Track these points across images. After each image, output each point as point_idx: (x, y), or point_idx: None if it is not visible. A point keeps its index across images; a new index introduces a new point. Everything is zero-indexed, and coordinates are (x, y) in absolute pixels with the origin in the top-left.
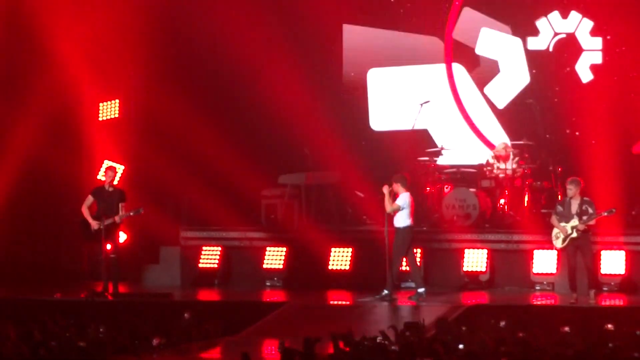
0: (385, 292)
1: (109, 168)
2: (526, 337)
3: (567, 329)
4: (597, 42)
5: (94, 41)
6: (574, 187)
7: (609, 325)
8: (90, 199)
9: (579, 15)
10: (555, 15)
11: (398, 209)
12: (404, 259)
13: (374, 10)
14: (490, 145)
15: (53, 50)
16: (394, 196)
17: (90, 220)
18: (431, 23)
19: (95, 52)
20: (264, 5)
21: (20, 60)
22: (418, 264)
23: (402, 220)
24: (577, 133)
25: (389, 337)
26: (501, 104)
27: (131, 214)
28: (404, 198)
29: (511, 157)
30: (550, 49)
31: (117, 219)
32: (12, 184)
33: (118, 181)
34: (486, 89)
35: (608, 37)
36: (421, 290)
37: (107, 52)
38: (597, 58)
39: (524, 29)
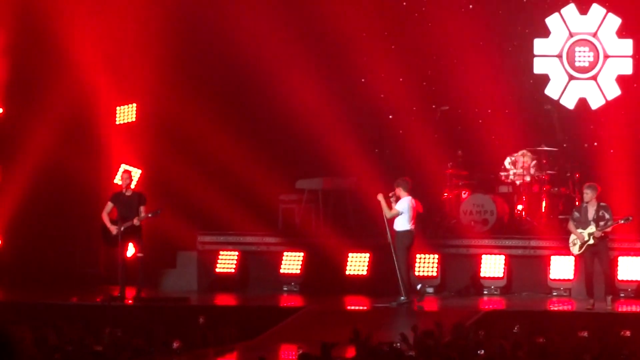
0: (402, 298)
1: (125, 172)
2: (543, 343)
3: (585, 334)
4: (626, 45)
5: (111, 45)
6: (590, 192)
7: (627, 332)
8: (109, 205)
9: (603, 10)
10: (570, 9)
11: (397, 214)
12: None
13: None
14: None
15: (70, 54)
16: (396, 200)
17: (109, 225)
18: None
19: (112, 55)
20: (282, 8)
21: (37, 64)
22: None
23: (402, 224)
24: (595, 144)
25: (408, 340)
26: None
27: (150, 215)
28: (404, 202)
29: (530, 163)
30: (564, 55)
31: (135, 221)
32: (29, 188)
33: (135, 185)
34: None
35: None
36: (403, 298)
37: (124, 55)
38: (627, 67)
39: (531, 28)
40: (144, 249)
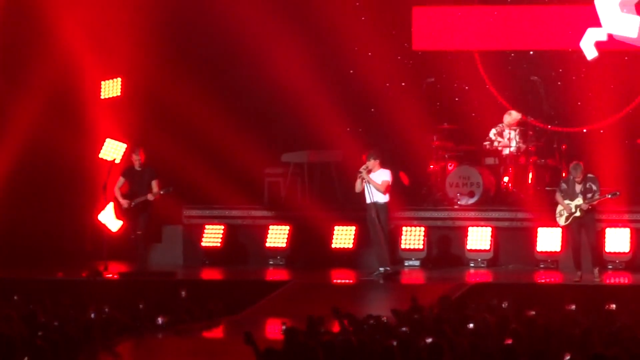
0: (387, 269)
1: (136, 148)
2: (531, 316)
3: (572, 307)
4: None
5: (95, 19)
6: (577, 172)
7: (611, 305)
8: (121, 179)
9: None
10: None
11: (389, 185)
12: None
13: None
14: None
15: (55, 28)
16: (368, 173)
17: (120, 199)
18: None
19: (97, 29)
20: None
21: (21, 38)
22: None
23: (385, 196)
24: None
25: (400, 315)
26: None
27: (162, 192)
28: (389, 173)
29: (516, 134)
30: None
31: (149, 196)
32: (14, 163)
33: (120, 159)
34: None
35: None
36: (387, 269)
37: (109, 29)
38: (603, 35)
39: None
40: (147, 227)
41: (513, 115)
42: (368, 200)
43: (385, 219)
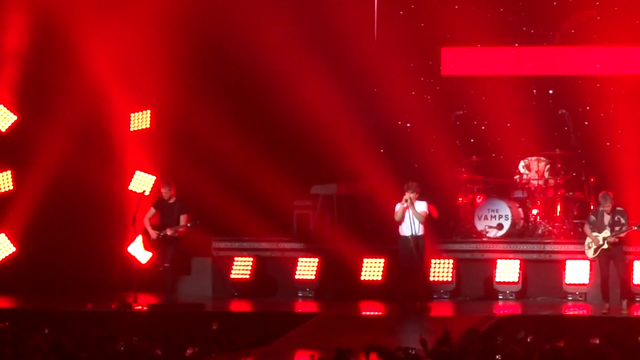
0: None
1: (166, 181)
2: (559, 348)
3: (596, 341)
4: None
5: (125, 51)
6: (606, 202)
7: None
8: (152, 210)
9: None
10: None
11: (427, 216)
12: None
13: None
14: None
15: (84, 61)
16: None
17: (150, 230)
18: None
19: (126, 62)
20: (297, 16)
21: (51, 70)
22: None
23: (423, 228)
24: (607, 143)
25: (427, 346)
26: None
27: (188, 225)
28: (426, 205)
29: (544, 168)
30: None
31: (168, 231)
32: (43, 195)
33: (150, 191)
34: None
35: None
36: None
37: (139, 62)
38: None
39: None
40: (174, 260)
41: (540, 166)
42: (407, 233)
43: (423, 252)
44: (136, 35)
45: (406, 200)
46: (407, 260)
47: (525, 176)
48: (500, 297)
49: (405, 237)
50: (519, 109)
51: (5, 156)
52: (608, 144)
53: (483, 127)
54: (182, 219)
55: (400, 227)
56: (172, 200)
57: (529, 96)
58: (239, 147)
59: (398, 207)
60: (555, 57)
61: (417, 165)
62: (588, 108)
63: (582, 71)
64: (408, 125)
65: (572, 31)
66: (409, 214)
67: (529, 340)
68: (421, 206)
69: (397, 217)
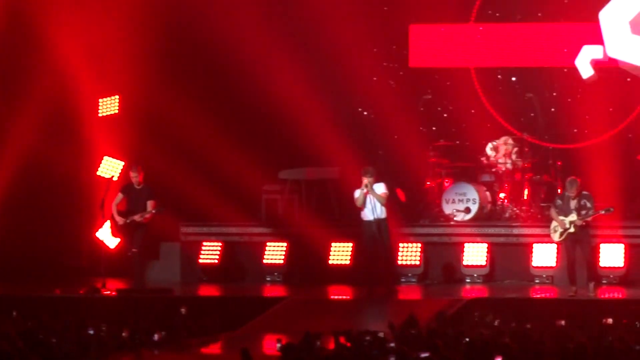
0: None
1: (135, 167)
2: (526, 330)
3: (562, 323)
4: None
5: (94, 37)
6: (572, 188)
7: (608, 320)
8: (119, 195)
9: None
10: None
11: (387, 197)
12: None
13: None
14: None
15: (53, 46)
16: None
17: (117, 216)
18: None
19: (95, 47)
20: (263, 3)
21: (20, 55)
22: None
23: (385, 210)
24: (574, 130)
25: (395, 329)
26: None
27: (154, 211)
28: (384, 185)
29: (511, 150)
30: None
31: (137, 217)
32: (11, 180)
33: (118, 177)
34: None
35: None
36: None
37: (107, 47)
38: (599, 52)
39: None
40: (141, 245)
41: (508, 144)
42: (370, 217)
43: (388, 235)
44: (105, 20)
45: (366, 186)
46: (372, 245)
47: (492, 158)
48: (467, 280)
49: (369, 222)
50: (486, 92)
51: None
52: (575, 130)
53: (449, 111)
54: (149, 204)
55: (362, 212)
56: (139, 186)
57: (495, 80)
58: (208, 132)
59: (357, 193)
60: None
61: (385, 149)
62: (555, 94)
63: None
64: (375, 110)
65: (539, 15)
66: (369, 198)
67: (496, 323)
68: (380, 188)
69: (358, 203)
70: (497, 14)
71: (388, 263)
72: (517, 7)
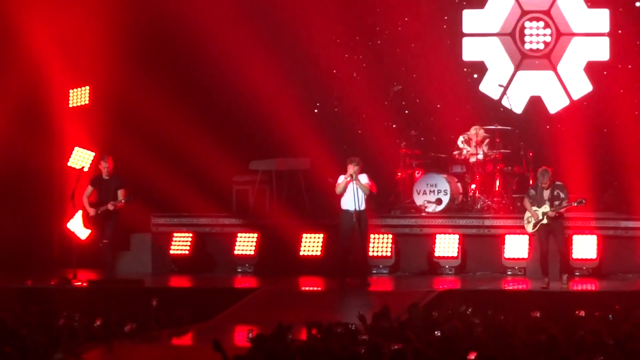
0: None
1: (104, 158)
2: (498, 322)
3: (537, 314)
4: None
5: (64, 27)
6: (544, 178)
7: (581, 312)
8: (89, 188)
9: None
10: None
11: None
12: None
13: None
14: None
15: (23, 36)
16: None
17: (87, 207)
18: None
19: (65, 37)
20: None
21: None
22: None
23: (365, 202)
24: (547, 127)
25: (365, 321)
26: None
27: (122, 201)
28: (368, 177)
29: (483, 138)
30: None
31: (109, 206)
32: None
33: (89, 167)
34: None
35: None
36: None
37: (78, 37)
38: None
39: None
40: (112, 236)
41: (479, 133)
42: (350, 207)
43: (367, 227)
44: (75, 10)
45: (351, 175)
46: (349, 235)
47: (465, 151)
48: (439, 271)
49: (348, 212)
50: (455, 83)
51: None
52: (548, 127)
53: (421, 102)
54: (120, 193)
55: (342, 200)
56: (109, 177)
57: (465, 72)
58: (178, 122)
59: (341, 179)
60: None
61: (355, 140)
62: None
63: None
64: (346, 100)
65: None
66: (352, 187)
67: (469, 312)
68: (364, 178)
69: (338, 189)
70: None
71: (363, 255)
72: None
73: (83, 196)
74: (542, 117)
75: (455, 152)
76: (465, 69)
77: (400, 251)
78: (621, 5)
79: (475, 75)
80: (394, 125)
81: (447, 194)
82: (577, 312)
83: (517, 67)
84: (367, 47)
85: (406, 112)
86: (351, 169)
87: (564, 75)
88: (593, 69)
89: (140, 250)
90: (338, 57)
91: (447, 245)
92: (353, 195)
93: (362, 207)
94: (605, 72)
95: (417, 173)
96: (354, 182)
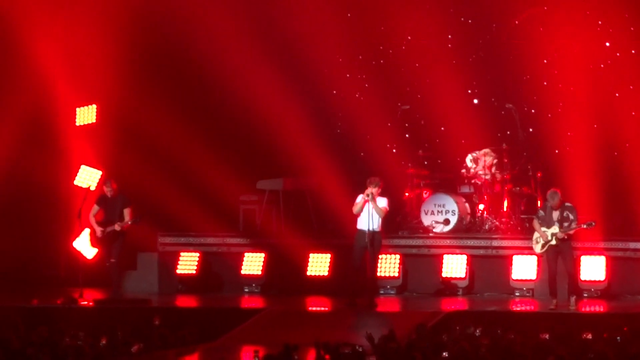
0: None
1: (108, 180)
2: (506, 343)
3: (546, 336)
4: None
5: (71, 46)
6: (553, 200)
7: (588, 334)
8: (95, 207)
9: None
10: None
11: (387, 211)
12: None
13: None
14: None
15: (30, 55)
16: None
17: (95, 227)
18: None
19: (72, 56)
20: (245, 12)
21: None
22: None
23: (381, 223)
24: (556, 151)
25: (374, 341)
26: None
27: (129, 222)
28: (387, 201)
29: (492, 162)
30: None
31: (116, 226)
32: None
33: (95, 186)
34: None
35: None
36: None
37: (85, 56)
38: None
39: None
40: (120, 255)
41: (487, 159)
42: (364, 227)
43: (379, 248)
44: (83, 29)
45: (368, 195)
46: (360, 255)
47: (472, 170)
48: (447, 292)
49: (362, 231)
50: (465, 104)
51: None
52: (557, 151)
53: (428, 122)
54: (126, 212)
55: (358, 220)
56: (113, 196)
57: (474, 92)
58: (186, 142)
59: (359, 199)
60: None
61: (363, 159)
62: (533, 111)
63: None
64: (354, 120)
65: (516, 22)
66: (368, 208)
67: (477, 333)
68: (382, 202)
69: (355, 209)
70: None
71: (371, 275)
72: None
73: (90, 215)
74: (550, 139)
75: (463, 171)
76: (469, 91)
77: (407, 272)
78: None
79: (476, 101)
80: (396, 147)
81: (455, 214)
82: (584, 334)
83: None
84: (379, 66)
85: (411, 133)
86: (369, 189)
87: None
88: (602, 90)
89: (146, 270)
90: (348, 76)
91: (455, 266)
92: (368, 215)
93: (377, 228)
94: (617, 94)
95: (425, 193)
96: (370, 202)
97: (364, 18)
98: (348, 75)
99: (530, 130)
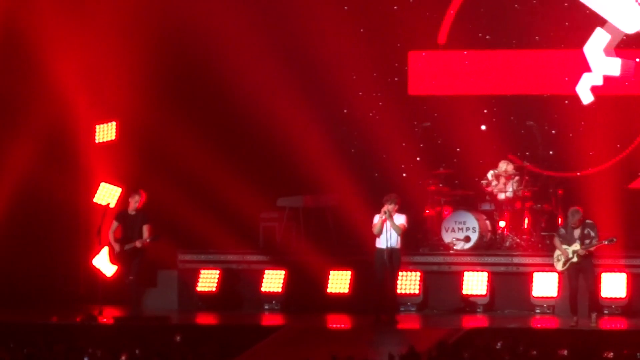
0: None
1: (134, 193)
2: (531, 357)
3: (564, 352)
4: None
5: (90, 62)
6: (574, 218)
7: (609, 354)
8: (114, 223)
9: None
10: None
11: (405, 228)
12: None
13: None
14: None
15: (50, 72)
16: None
17: (114, 244)
18: None
19: (92, 73)
20: (267, 30)
21: (16, 81)
22: None
23: (400, 240)
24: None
25: None
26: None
27: (148, 240)
28: (405, 218)
29: (512, 178)
30: None
31: (137, 243)
32: (8, 207)
33: (115, 204)
34: None
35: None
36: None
37: (104, 73)
38: (598, 79)
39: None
40: (138, 273)
41: (508, 169)
42: (383, 245)
43: (399, 265)
44: (102, 46)
45: (385, 213)
46: (380, 273)
47: (493, 183)
48: (468, 309)
49: (381, 249)
50: (485, 121)
51: None
52: (578, 174)
53: (450, 140)
54: (145, 229)
55: (377, 238)
56: (134, 212)
57: (496, 109)
58: (205, 159)
59: (376, 219)
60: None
61: (384, 177)
62: (554, 132)
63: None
64: (374, 137)
65: (537, 37)
66: (386, 226)
67: (498, 347)
68: (400, 219)
69: (375, 230)
70: (488, 37)
71: (391, 293)
72: (512, 33)
73: (109, 232)
74: (570, 154)
75: (483, 182)
76: (485, 110)
77: (428, 289)
78: None
79: (483, 127)
80: (415, 164)
81: (475, 231)
82: (605, 353)
83: None
84: (398, 82)
85: (430, 150)
86: (386, 206)
87: None
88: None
89: (166, 287)
90: (367, 93)
91: (475, 283)
92: (386, 233)
93: (395, 245)
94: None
95: (446, 210)
96: (388, 220)
97: (379, 35)
98: (368, 95)
99: (551, 152)
